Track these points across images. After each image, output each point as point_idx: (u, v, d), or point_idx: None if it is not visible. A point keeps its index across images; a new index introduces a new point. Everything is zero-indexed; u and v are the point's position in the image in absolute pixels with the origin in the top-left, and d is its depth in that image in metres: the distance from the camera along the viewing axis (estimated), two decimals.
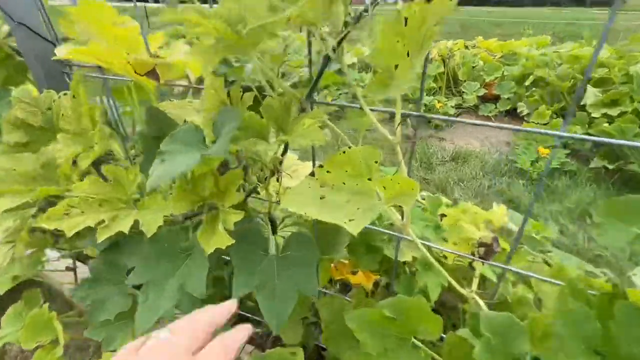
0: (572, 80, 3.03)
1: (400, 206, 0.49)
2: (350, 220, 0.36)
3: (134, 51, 0.52)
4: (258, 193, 0.66)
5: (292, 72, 0.47)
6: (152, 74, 0.52)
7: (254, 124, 0.41)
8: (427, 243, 0.53)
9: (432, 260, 0.52)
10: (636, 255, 1.50)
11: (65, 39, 0.68)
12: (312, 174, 0.47)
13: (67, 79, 0.75)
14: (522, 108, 3.27)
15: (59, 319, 0.75)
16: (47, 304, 0.75)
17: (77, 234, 0.49)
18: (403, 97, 0.43)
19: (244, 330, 0.34)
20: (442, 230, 0.77)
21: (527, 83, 3.42)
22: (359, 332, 0.54)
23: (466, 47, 4.14)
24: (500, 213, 0.65)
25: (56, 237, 0.73)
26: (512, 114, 3.51)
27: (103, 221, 0.47)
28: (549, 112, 2.93)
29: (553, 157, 0.53)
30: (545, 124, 2.89)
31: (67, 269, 0.93)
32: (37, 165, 0.59)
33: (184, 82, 0.65)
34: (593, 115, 2.58)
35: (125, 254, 0.58)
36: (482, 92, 3.60)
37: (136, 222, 0.50)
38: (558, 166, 2.36)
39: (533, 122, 3.00)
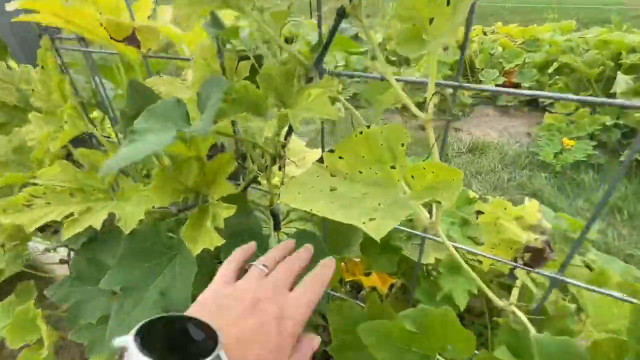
0: (601, 67, 2.83)
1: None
2: (370, 220, 0.27)
3: (111, 14, 0.43)
4: (259, 183, 0.58)
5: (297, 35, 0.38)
6: (132, 40, 0.43)
7: (248, 96, 0.33)
8: (459, 246, 0.44)
9: (465, 265, 0.43)
10: None
11: None
12: (321, 160, 0.38)
13: None
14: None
15: (45, 317, 0.70)
16: (32, 301, 0.69)
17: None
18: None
19: (330, 266, 0.35)
20: (469, 228, 0.68)
21: (550, 70, 3.23)
22: (375, 348, 0.46)
23: (484, 34, 3.93)
24: (532, 209, 0.55)
25: (41, 227, 0.66)
26: (533, 104, 3.33)
27: (72, 214, 0.39)
28: None
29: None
30: (569, 114, 2.72)
31: (61, 261, 0.87)
32: (8, 149, 0.52)
33: (175, 55, 0.56)
34: None
35: (106, 251, 0.50)
36: (502, 80, 3.42)
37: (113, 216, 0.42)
38: (584, 158, 2.20)
39: (556, 112, 2.83)
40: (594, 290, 0.40)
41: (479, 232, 0.69)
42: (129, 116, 0.45)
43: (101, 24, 0.40)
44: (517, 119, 3.13)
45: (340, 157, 0.38)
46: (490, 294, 0.45)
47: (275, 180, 0.71)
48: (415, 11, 0.31)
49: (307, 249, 0.37)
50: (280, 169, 0.50)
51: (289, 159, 0.46)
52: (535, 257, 0.39)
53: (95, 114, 0.77)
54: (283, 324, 0.28)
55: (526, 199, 0.62)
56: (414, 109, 0.35)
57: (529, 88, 3.31)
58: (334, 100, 0.34)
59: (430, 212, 0.42)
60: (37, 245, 0.78)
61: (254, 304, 0.29)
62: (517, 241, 0.41)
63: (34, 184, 0.41)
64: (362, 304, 0.64)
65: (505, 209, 0.45)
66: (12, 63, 0.74)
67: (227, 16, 0.43)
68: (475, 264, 0.61)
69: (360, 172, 0.37)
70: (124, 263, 0.40)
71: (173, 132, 0.29)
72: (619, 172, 0.34)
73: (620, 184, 2.01)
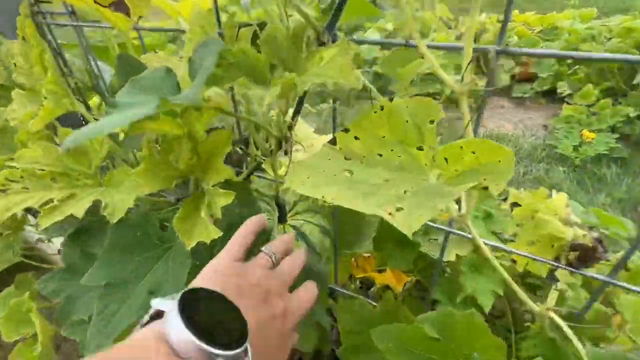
0: None
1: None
2: (397, 210, 0.22)
3: None
4: (263, 170, 0.53)
5: None
6: (119, 5, 0.38)
7: (248, 60, 0.27)
8: (491, 243, 0.38)
9: (497, 264, 0.37)
10: None
11: None
12: (333, 142, 0.33)
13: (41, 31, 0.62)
14: (563, 88, 2.95)
15: (45, 310, 0.66)
16: (27, 294, 0.66)
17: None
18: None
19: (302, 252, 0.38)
20: (493, 222, 0.62)
21: (569, 60, 3.08)
22: (390, 354, 0.41)
23: (499, 22, 3.78)
24: (561, 202, 0.49)
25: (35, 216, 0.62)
26: (550, 95, 3.19)
27: (51, 201, 0.35)
28: (595, 91, 2.62)
29: None
30: (590, 106, 2.59)
31: (59, 252, 0.84)
32: None
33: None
34: None
35: (98, 242, 0.46)
36: (518, 70, 3.29)
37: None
38: (606, 152, 2.10)
39: (575, 103, 2.71)
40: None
41: (503, 227, 0.63)
42: (117, 91, 0.40)
43: None
44: (533, 110, 3.01)
45: (355, 138, 0.32)
46: (524, 297, 0.39)
47: (282, 170, 0.66)
48: None
49: (304, 252, 0.38)
50: (286, 153, 0.44)
51: (296, 141, 0.40)
52: (584, 256, 0.33)
53: (97, 99, 0.73)
54: (286, 320, 0.30)
55: (553, 191, 0.56)
56: (448, 79, 0.30)
57: (546, 79, 3.18)
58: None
59: (457, 203, 0.36)
60: (34, 235, 0.75)
61: (266, 295, 0.29)
62: (560, 238, 0.35)
63: (12, 167, 0.37)
64: (373, 303, 0.59)
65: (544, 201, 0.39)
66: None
67: None
68: (501, 263, 0.55)
69: (380, 155, 0.31)
70: (110, 256, 0.35)
71: (156, 102, 0.24)
72: None
73: None
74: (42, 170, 0.37)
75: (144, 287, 0.34)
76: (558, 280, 0.37)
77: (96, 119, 0.49)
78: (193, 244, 0.33)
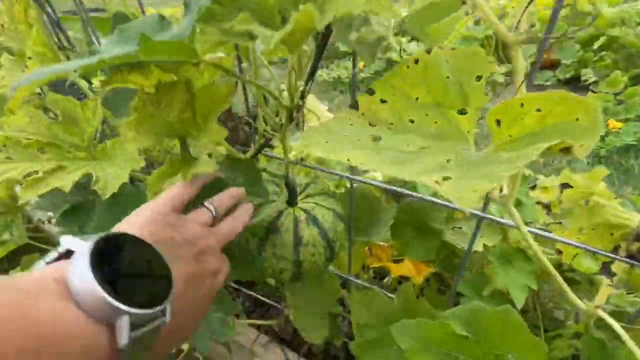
0: None
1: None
2: (444, 180, 0.17)
3: None
4: (272, 147, 0.49)
5: None
6: None
7: None
8: (536, 231, 0.33)
9: (542, 256, 0.32)
10: None
11: None
12: (355, 107, 0.28)
13: None
14: (588, 75, 2.80)
15: None
16: None
17: None
18: None
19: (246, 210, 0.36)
20: (524, 210, 0.56)
21: (595, 46, 2.91)
22: (413, 352, 0.37)
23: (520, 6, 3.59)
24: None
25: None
26: (573, 83, 3.03)
27: (36, 172, 0.31)
28: (624, 78, 2.47)
29: None
30: (617, 94, 2.45)
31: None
32: None
33: None
34: None
35: (92, 220, 0.42)
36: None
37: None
38: (634, 142, 1.98)
39: (601, 91, 2.56)
40: None
41: (533, 217, 0.57)
42: None
43: None
44: None
45: (382, 101, 0.27)
46: (570, 294, 0.34)
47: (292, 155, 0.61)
48: None
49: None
50: (298, 126, 0.39)
51: (308, 110, 0.35)
52: None
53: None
54: (215, 281, 0.29)
55: None
56: (501, 27, 0.24)
57: (569, 66, 3.02)
58: None
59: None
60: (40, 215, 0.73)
61: (200, 252, 0.28)
62: (623, 225, 0.29)
63: None
64: (392, 297, 0.55)
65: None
66: None
67: None
68: (533, 254, 0.49)
69: (411, 122, 0.26)
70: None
71: (136, 42, 0.19)
72: None
73: None
74: (29, 139, 0.33)
75: None
76: (615, 275, 0.32)
77: (94, 91, 0.45)
78: None
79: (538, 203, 0.68)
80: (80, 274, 0.18)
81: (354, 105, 0.28)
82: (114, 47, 0.23)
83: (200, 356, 0.69)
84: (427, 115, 0.26)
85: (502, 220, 0.36)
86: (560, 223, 0.60)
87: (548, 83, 3.11)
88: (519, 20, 0.24)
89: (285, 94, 0.40)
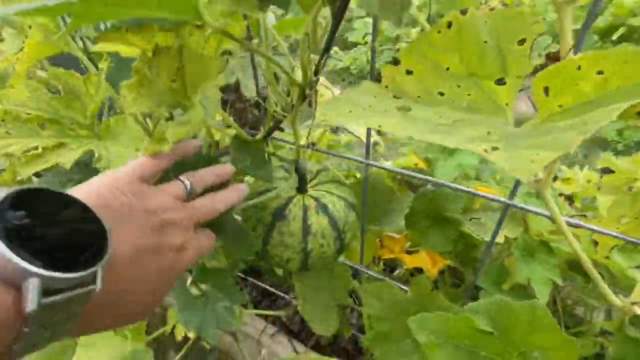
0: None
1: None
2: (493, 150, 0.14)
3: None
4: (282, 130, 0.46)
5: None
6: None
7: None
8: (573, 221, 0.30)
9: (578, 248, 0.29)
10: None
11: None
12: (377, 79, 0.25)
13: None
14: None
15: None
16: None
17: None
18: None
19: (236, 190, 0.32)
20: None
21: (615, 37, 2.81)
22: (432, 348, 0.35)
23: None
24: None
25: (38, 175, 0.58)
26: None
27: (35, 148, 0.29)
28: None
29: None
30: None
31: None
32: None
33: None
34: None
35: None
36: (556, 49, 3.04)
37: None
38: None
39: None
40: None
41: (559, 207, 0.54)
42: None
43: None
44: None
45: (408, 72, 0.24)
46: (606, 289, 0.31)
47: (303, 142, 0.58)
48: None
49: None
50: (310, 105, 0.37)
51: (322, 88, 0.33)
52: None
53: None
54: (180, 257, 0.26)
55: None
56: None
57: None
58: None
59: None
60: None
61: (163, 224, 0.25)
62: None
63: None
64: (404, 289, 0.52)
65: None
66: None
67: None
68: (559, 246, 0.47)
69: (441, 94, 0.24)
70: None
71: None
72: None
73: None
74: (29, 114, 0.32)
75: None
76: None
77: (97, 66, 0.43)
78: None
79: (560, 195, 0.65)
80: None
81: (377, 78, 0.25)
82: None
83: (207, 345, 0.68)
84: (458, 86, 0.23)
85: (534, 209, 0.34)
86: (585, 216, 0.56)
87: None
88: None
89: (298, 70, 0.38)
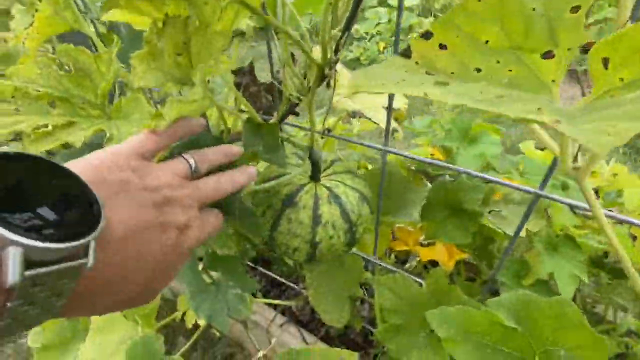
0: None
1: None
2: (557, 122, 0.13)
3: None
4: (297, 115, 0.44)
5: None
6: None
7: None
8: (621, 216, 0.28)
9: (618, 243, 0.27)
10: None
11: None
12: (405, 54, 0.23)
13: None
14: None
15: None
16: None
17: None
18: None
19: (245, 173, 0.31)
20: (571, 195, 0.51)
21: None
22: (451, 342, 0.33)
23: None
24: None
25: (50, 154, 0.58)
26: None
27: (46, 126, 0.28)
28: None
29: None
30: None
31: None
32: None
33: None
34: None
35: None
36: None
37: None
38: None
39: None
40: None
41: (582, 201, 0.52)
42: None
43: None
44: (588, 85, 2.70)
45: (441, 46, 0.22)
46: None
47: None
48: None
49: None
50: (328, 86, 0.35)
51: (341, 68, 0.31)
52: None
53: None
54: (183, 236, 0.25)
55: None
56: None
57: None
58: None
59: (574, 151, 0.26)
60: None
61: (165, 201, 0.23)
62: None
63: None
64: (418, 281, 0.51)
65: None
66: None
67: None
68: (582, 241, 0.45)
69: (478, 71, 0.22)
70: None
71: None
72: None
73: None
74: (38, 91, 0.31)
75: None
76: None
77: (106, 45, 0.42)
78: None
79: None
80: None
81: (405, 53, 0.23)
82: None
83: (217, 333, 0.68)
84: (498, 62, 0.21)
85: (569, 201, 0.32)
86: (611, 210, 0.54)
87: (581, 67, 2.93)
88: None
89: (316, 50, 0.36)
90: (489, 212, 0.49)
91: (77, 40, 0.39)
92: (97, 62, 0.33)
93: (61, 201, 0.18)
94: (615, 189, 0.58)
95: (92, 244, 0.18)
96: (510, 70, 0.21)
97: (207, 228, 0.27)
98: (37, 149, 0.27)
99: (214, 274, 0.51)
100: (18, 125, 0.28)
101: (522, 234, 0.45)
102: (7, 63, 0.43)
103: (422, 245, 0.57)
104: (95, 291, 0.20)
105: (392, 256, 0.72)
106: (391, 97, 0.40)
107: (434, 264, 0.65)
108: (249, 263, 0.81)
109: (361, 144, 0.41)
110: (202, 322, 0.65)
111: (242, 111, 0.50)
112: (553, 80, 0.20)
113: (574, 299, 0.56)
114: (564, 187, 0.50)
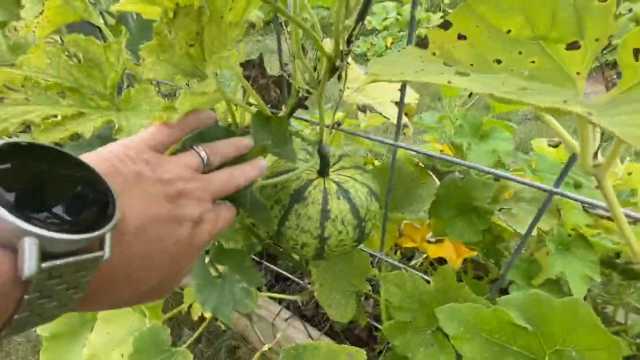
0: None
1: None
2: (589, 114, 0.12)
3: None
4: (306, 108, 0.44)
5: None
6: None
7: None
8: (632, 213, 0.27)
9: (636, 243, 0.26)
10: None
11: None
12: (422, 44, 0.23)
13: None
14: None
15: None
16: None
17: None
18: None
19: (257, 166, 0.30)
20: (584, 193, 0.50)
21: None
22: (460, 340, 0.33)
23: None
24: None
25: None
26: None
27: (55, 116, 0.28)
28: None
29: None
30: None
31: None
32: (3, 48, 0.41)
33: None
34: None
35: None
36: None
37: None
38: None
39: None
40: None
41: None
42: None
43: None
44: (601, 83, 2.65)
45: (460, 37, 0.22)
46: None
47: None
48: None
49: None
50: (339, 78, 0.35)
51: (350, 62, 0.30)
52: None
53: None
54: (198, 230, 0.24)
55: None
56: None
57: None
58: None
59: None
60: None
61: (177, 194, 0.23)
62: None
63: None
64: (425, 277, 0.50)
65: None
66: None
67: None
68: (597, 240, 0.44)
69: (498, 62, 0.21)
70: None
71: None
72: None
73: None
74: (48, 81, 0.30)
75: None
76: None
77: (115, 34, 0.41)
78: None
79: (596, 187, 0.61)
80: None
81: (423, 44, 0.22)
82: None
83: (222, 326, 0.68)
84: (520, 53, 0.21)
85: (587, 199, 0.31)
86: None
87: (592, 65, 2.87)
88: None
89: (327, 41, 0.35)
90: (499, 210, 0.49)
91: (86, 32, 0.38)
92: (107, 52, 0.33)
93: (76, 193, 0.17)
94: (628, 187, 0.56)
95: (108, 236, 0.17)
96: (533, 62, 0.20)
97: (220, 221, 0.27)
98: (46, 139, 0.27)
99: (220, 267, 0.51)
100: (28, 115, 0.28)
101: (534, 232, 0.45)
102: (18, 52, 0.43)
103: (429, 242, 0.56)
104: (111, 285, 0.20)
105: (398, 253, 0.71)
106: (403, 92, 0.39)
107: (440, 261, 0.64)
108: (254, 257, 0.81)
109: (371, 139, 0.40)
110: (207, 315, 0.66)
111: (250, 104, 0.50)
112: (578, 73, 0.20)
113: (583, 300, 0.56)
114: (577, 186, 0.49)
